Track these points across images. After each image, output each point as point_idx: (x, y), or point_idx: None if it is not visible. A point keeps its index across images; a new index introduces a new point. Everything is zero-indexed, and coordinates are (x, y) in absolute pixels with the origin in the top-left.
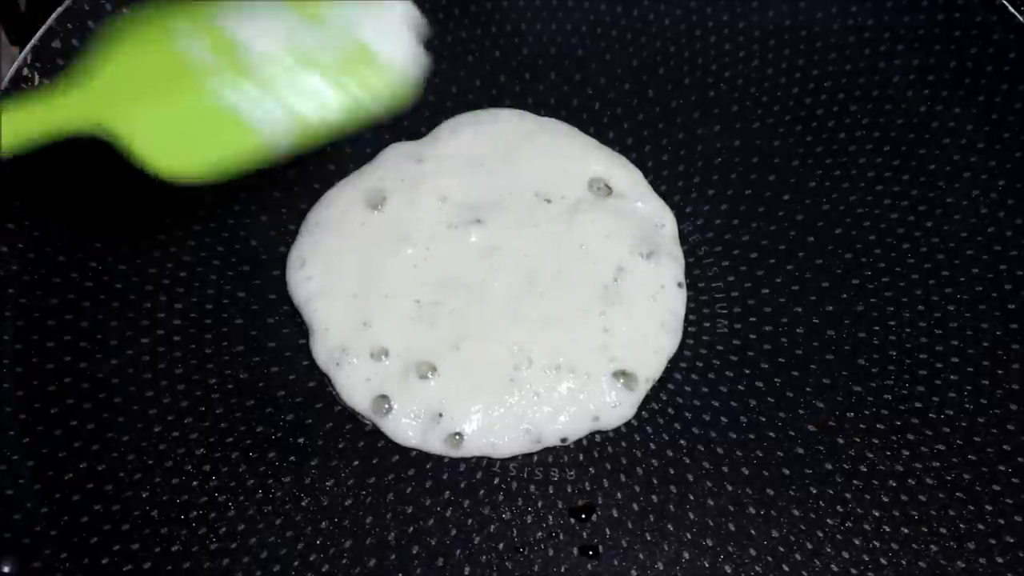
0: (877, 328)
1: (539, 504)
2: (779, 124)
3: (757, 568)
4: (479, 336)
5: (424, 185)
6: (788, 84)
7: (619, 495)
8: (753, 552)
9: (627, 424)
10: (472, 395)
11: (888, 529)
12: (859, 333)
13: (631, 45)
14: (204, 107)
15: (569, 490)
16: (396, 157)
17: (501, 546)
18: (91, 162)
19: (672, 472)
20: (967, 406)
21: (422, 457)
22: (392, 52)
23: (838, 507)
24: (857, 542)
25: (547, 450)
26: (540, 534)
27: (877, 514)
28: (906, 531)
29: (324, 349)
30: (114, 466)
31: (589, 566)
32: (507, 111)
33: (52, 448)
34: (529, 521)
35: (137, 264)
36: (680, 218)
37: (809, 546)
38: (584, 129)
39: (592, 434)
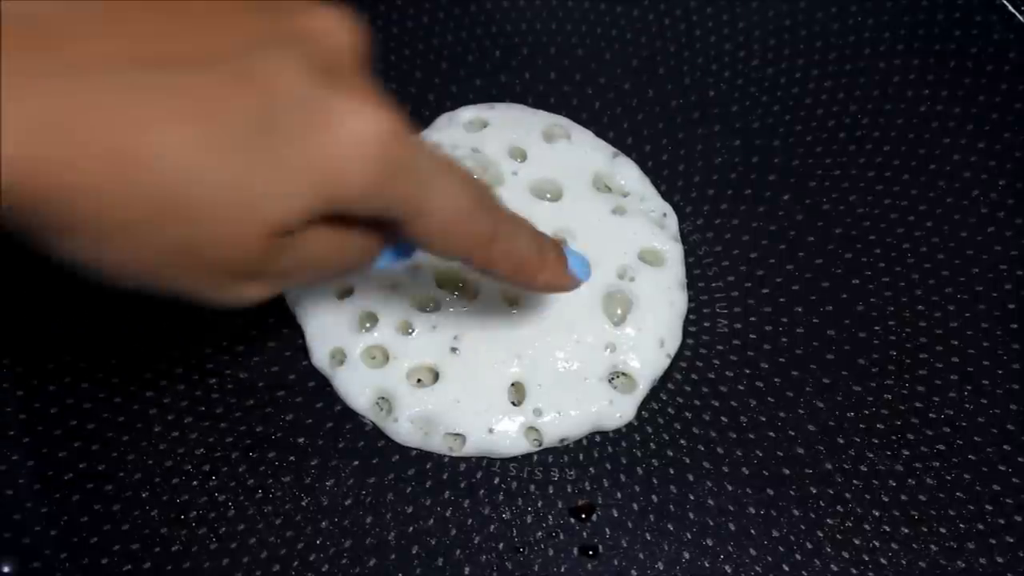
0: (877, 328)
1: (539, 504)
2: (779, 124)
3: (757, 568)
4: (479, 336)
5: None
6: (788, 84)
7: (619, 495)
8: (753, 552)
9: (627, 424)
10: (472, 395)
11: (888, 529)
12: (859, 333)
13: (631, 45)
14: None
15: (569, 490)
16: None
17: (501, 546)
18: None
19: (672, 472)
20: (967, 406)
21: (422, 457)
22: None
23: (838, 507)
24: (857, 542)
25: (547, 450)
26: (540, 534)
27: (877, 514)
28: (906, 531)
29: (322, 350)
30: (114, 466)
31: (589, 566)
32: (507, 105)
33: (52, 448)
34: (529, 521)
35: None
36: (680, 218)
37: (809, 546)
38: (584, 128)
39: (592, 434)
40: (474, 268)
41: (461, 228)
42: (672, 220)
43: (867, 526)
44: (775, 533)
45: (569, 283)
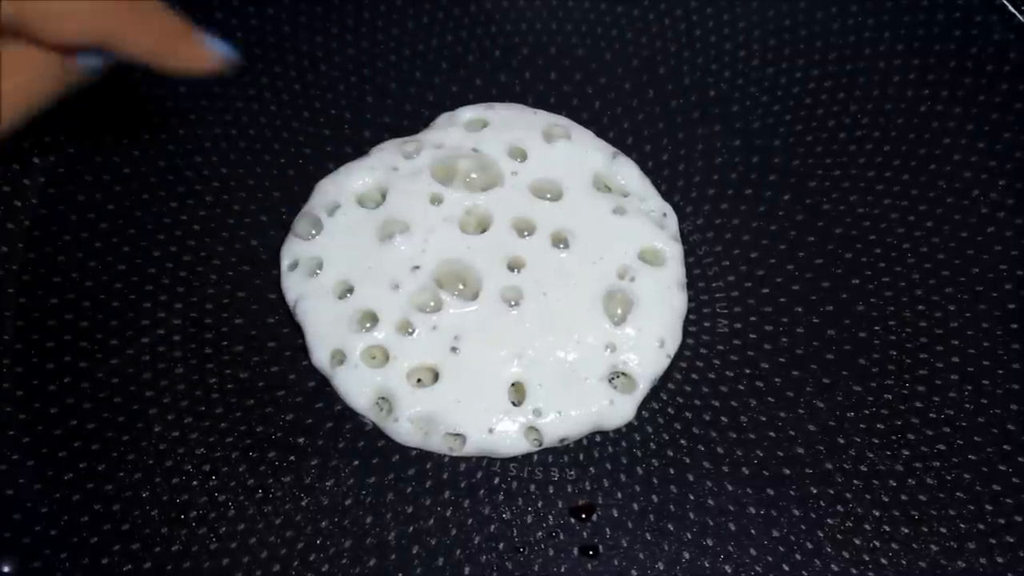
0: (877, 328)
1: (539, 504)
2: (779, 124)
3: (757, 568)
4: (479, 336)
5: (421, 182)
6: (788, 84)
7: (619, 495)
8: (753, 552)
9: (627, 424)
10: (472, 395)
11: (888, 529)
12: (859, 333)
13: (631, 45)
14: None
15: (569, 490)
16: (393, 152)
17: (501, 546)
18: (91, 161)
19: (672, 472)
20: (967, 406)
21: (422, 457)
22: None
23: (838, 507)
24: (857, 542)
25: (547, 450)
26: (540, 534)
27: (877, 514)
28: (906, 531)
29: (322, 350)
30: (114, 466)
31: (589, 566)
32: (507, 105)
33: (52, 448)
34: (529, 521)
35: (137, 264)
36: (680, 218)
37: (809, 546)
38: (584, 128)
39: (592, 434)
40: (114, 55)
41: (84, 19)
42: (672, 220)
43: (867, 526)
44: (775, 533)
45: (209, 60)
